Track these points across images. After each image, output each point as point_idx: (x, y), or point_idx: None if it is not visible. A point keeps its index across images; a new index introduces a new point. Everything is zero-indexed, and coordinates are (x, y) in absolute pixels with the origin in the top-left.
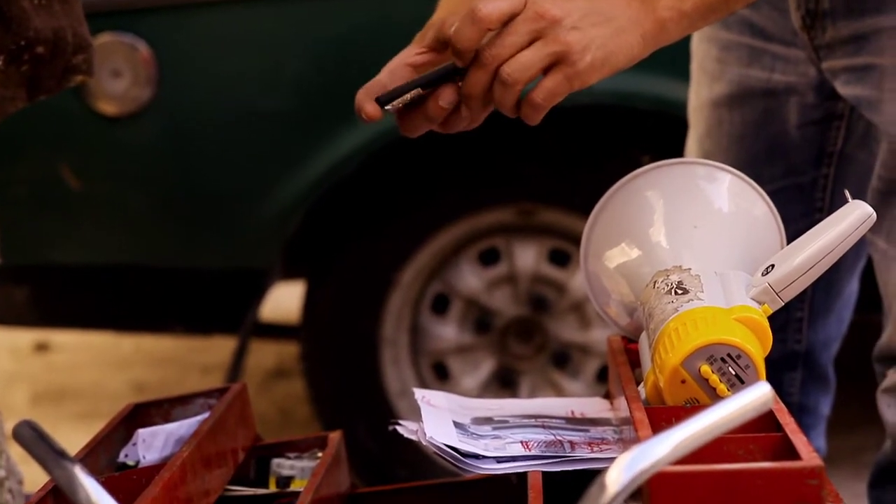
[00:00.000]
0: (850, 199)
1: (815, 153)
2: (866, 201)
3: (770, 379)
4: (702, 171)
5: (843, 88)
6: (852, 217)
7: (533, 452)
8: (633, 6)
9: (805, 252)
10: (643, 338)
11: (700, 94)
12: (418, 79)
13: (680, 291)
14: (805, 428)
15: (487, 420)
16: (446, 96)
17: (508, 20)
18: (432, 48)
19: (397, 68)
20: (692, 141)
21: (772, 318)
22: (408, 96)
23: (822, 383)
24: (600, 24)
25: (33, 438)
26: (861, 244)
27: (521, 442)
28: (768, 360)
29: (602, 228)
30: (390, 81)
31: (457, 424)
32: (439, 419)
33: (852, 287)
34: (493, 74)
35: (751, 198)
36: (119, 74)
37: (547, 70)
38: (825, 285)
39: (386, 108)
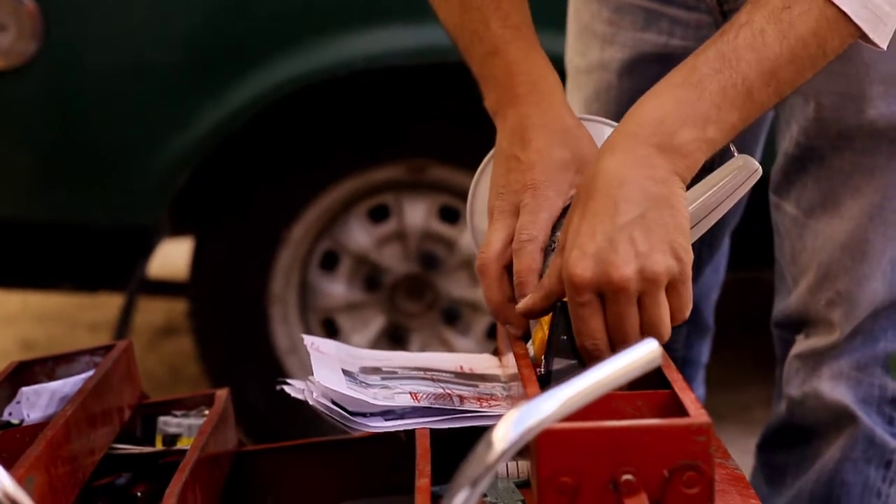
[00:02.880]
0: (735, 154)
1: None
2: (757, 159)
3: None
4: (588, 126)
5: None
6: (741, 172)
7: (422, 404)
8: (655, 182)
9: (692, 206)
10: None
11: (588, 57)
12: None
13: None
14: (687, 379)
15: (376, 370)
16: None
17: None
18: None
19: None
20: (576, 103)
21: None
22: None
23: (703, 333)
24: (648, 232)
25: None
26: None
27: (410, 393)
28: None
29: (488, 185)
30: None
31: (345, 372)
32: (328, 366)
33: (727, 239)
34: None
35: None
36: (4, 28)
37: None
38: (709, 240)
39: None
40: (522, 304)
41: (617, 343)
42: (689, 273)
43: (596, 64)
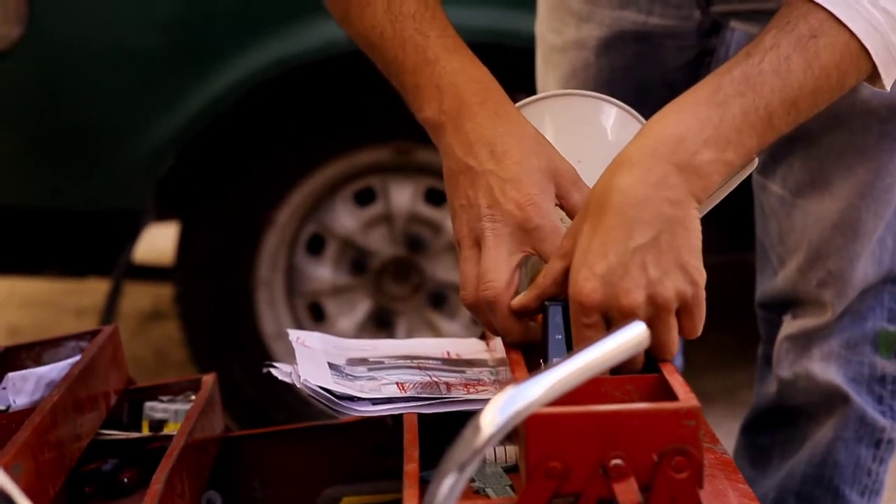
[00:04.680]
0: None
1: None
2: None
3: None
4: (587, 103)
5: (745, 27)
6: None
7: (408, 394)
8: (670, 204)
9: None
10: (522, 273)
11: (564, 34)
12: None
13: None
14: None
15: (363, 361)
16: None
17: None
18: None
19: None
20: (551, 80)
21: None
22: None
23: None
24: (660, 256)
25: None
26: None
27: (397, 383)
28: None
29: None
30: None
31: (332, 366)
32: (314, 361)
33: None
34: None
35: (635, 131)
36: None
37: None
38: None
39: None
40: (516, 301)
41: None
42: (703, 296)
43: (572, 42)
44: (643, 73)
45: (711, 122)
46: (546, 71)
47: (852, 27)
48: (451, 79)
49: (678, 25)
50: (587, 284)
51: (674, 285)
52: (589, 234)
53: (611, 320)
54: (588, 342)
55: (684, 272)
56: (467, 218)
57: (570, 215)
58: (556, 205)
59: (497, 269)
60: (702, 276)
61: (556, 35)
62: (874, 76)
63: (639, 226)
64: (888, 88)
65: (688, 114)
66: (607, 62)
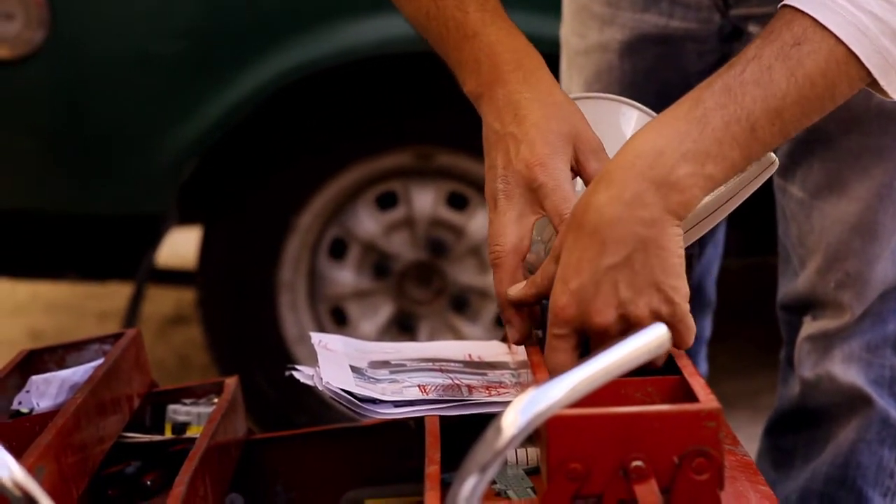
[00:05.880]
0: None
1: None
2: None
3: None
4: (608, 106)
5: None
6: (757, 165)
7: (430, 396)
8: (644, 224)
9: (710, 195)
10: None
11: (587, 38)
12: None
13: None
14: (690, 355)
15: (385, 364)
16: None
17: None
18: None
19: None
20: (575, 84)
21: None
22: None
23: (705, 308)
24: (633, 276)
25: None
26: None
27: (419, 386)
28: None
29: None
30: None
31: (354, 369)
32: (336, 363)
33: None
34: None
35: None
36: (11, 17)
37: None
38: None
39: None
40: (514, 291)
41: None
42: (685, 310)
43: (594, 45)
44: (665, 75)
45: (691, 135)
46: (570, 74)
47: (837, 32)
48: (488, 51)
49: (699, 29)
50: (562, 298)
51: (647, 305)
52: (570, 247)
53: (587, 334)
54: (555, 351)
55: (659, 291)
56: (488, 179)
57: (587, 183)
58: (573, 170)
59: (504, 234)
60: (679, 294)
61: (579, 39)
62: (874, 83)
63: (612, 245)
64: (894, 96)
65: (668, 127)
66: (630, 65)
